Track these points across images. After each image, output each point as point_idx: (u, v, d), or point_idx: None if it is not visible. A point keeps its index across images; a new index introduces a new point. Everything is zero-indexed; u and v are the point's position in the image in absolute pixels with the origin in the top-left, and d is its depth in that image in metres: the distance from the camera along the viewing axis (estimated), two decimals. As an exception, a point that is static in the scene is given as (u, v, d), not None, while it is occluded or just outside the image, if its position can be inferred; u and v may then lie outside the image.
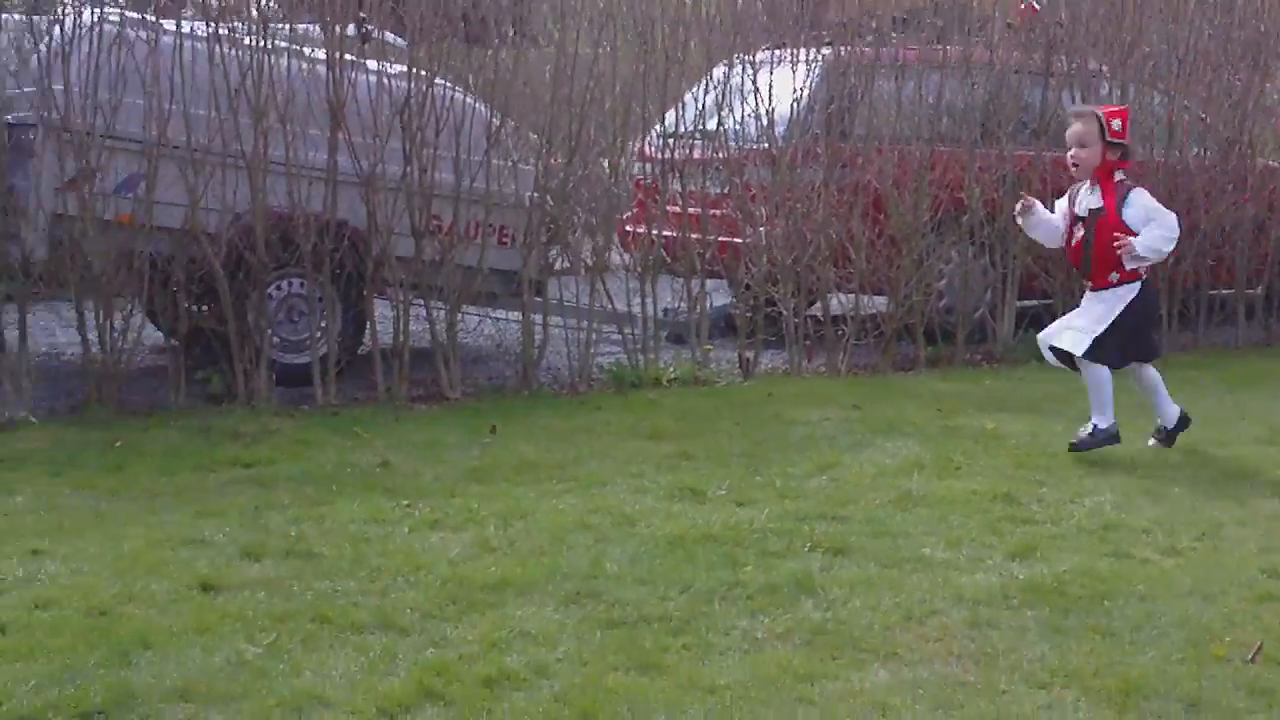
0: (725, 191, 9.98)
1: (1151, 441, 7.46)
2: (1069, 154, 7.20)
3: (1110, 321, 7.15)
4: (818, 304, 10.12)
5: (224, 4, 8.69)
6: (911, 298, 10.04)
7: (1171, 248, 7.31)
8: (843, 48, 10.23)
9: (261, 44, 8.43)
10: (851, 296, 10.08)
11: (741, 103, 9.85)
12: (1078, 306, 7.48)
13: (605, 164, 9.69)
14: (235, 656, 4.50)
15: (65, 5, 8.30)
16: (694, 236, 9.76)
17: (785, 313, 9.71)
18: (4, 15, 8.41)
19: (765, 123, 9.87)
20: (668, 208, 9.79)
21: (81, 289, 8.20)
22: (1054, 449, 7.29)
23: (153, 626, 4.73)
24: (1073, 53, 10.86)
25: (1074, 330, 7.24)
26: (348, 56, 8.72)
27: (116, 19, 8.25)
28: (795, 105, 9.89)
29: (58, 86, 8.05)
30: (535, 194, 9.22)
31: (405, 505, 6.15)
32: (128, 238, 8.24)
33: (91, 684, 4.27)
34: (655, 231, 9.65)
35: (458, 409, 8.39)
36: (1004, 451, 7.29)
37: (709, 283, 10.10)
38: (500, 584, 5.14)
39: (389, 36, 9.62)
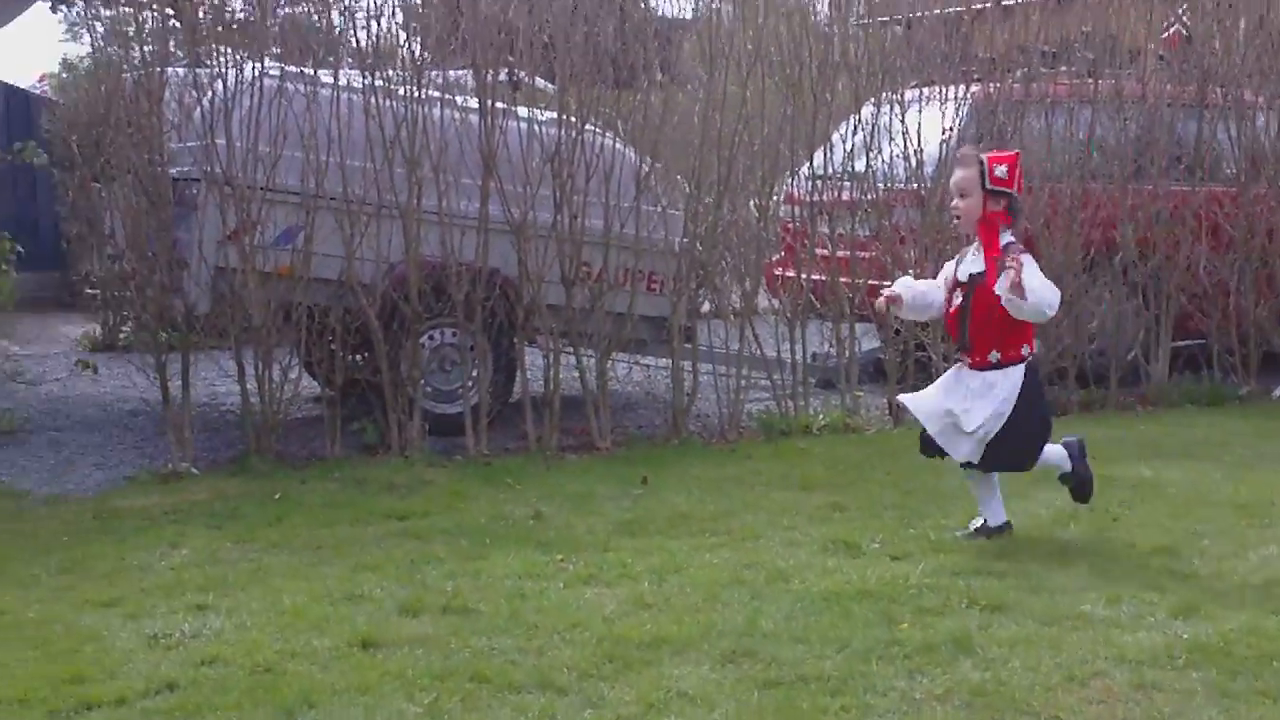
0: (874, 234, 9.92)
1: (963, 532, 6.53)
2: (950, 204, 6.58)
3: (1004, 423, 6.23)
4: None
5: (379, 54, 8.83)
6: (1063, 340, 9.89)
7: (1043, 318, 6.32)
8: (991, 84, 10.13)
9: (415, 94, 8.55)
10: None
11: (889, 143, 9.81)
12: (957, 377, 6.42)
13: (753, 207, 9.69)
14: (396, 716, 4.55)
15: (227, 60, 8.51)
16: (843, 280, 9.72)
17: (935, 357, 9.63)
18: (169, 70, 8.62)
19: (914, 163, 9.81)
20: (816, 250, 9.76)
21: (242, 340, 8.38)
22: (1215, 498, 7.14)
23: (316, 684, 4.79)
24: (1228, 84, 10.66)
25: (962, 435, 6.27)
26: (499, 104, 8.81)
27: (277, 73, 8.42)
28: (944, 144, 9.81)
29: (220, 141, 8.24)
30: (684, 239, 9.24)
31: (559, 559, 6.19)
32: (286, 289, 8.41)
33: (258, 744, 4.35)
34: (803, 275, 9.61)
35: (608, 458, 8.42)
36: (1162, 501, 7.16)
37: (857, 327, 10.04)
38: (656, 642, 5.14)
39: (539, 82, 9.73)
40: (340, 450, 8.41)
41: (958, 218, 6.40)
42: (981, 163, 6.23)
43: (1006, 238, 6.24)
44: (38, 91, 18.25)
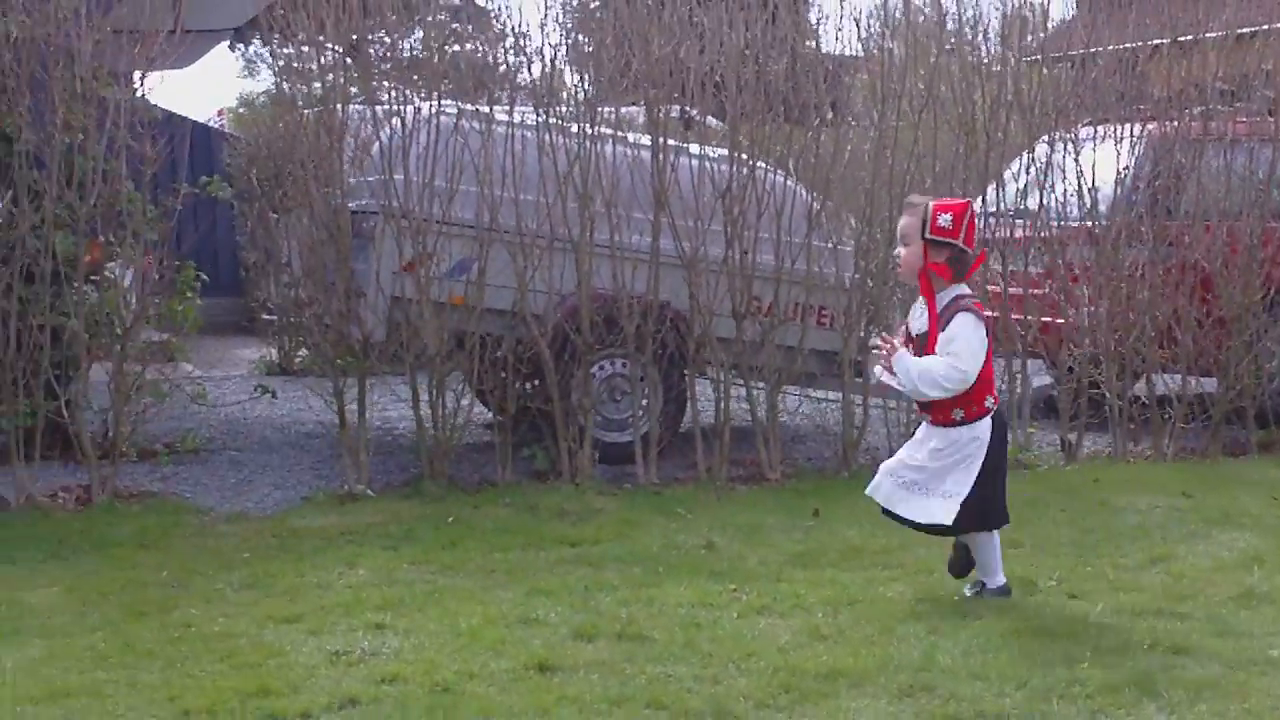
0: (1046, 271, 9.82)
1: (967, 590, 6.14)
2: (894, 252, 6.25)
3: (974, 480, 5.83)
4: (1140, 383, 9.85)
5: (552, 92, 8.95)
6: (1242, 380, 9.69)
7: (935, 395, 5.81)
8: (1168, 122, 9.99)
9: (588, 130, 8.66)
10: (1177, 377, 9.79)
11: (1063, 180, 9.71)
12: (922, 435, 6.04)
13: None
14: (576, 740, 4.59)
15: (404, 97, 8.69)
16: (1015, 317, 9.62)
17: (1109, 395, 9.48)
18: (350, 107, 8.83)
19: (1088, 201, 9.69)
20: (988, 288, 9.68)
21: (416, 367, 8.53)
22: (1405, 544, 6.94)
23: (494, 706, 4.85)
24: None
25: (930, 496, 5.88)
26: (670, 141, 8.89)
27: (453, 110, 8.58)
28: (1119, 183, 9.68)
29: (398, 176, 8.41)
30: (855, 275, 9.24)
31: (732, 589, 6.20)
32: (460, 319, 8.55)
33: (440, 762, 4.41)
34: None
35: (778, 490, 8.42)
36: (1351, 544, 6.98)
37: (1029, 363, 9.92)
38: (832, 674, 5.12)
39: (710, 120, 9.80)
40: (511, 476, 8.51)
41: (899, 268, 6.10)
42: (925, 211, 5.85)
43: (956, 290, 5.86)
44: (217, 126, 18.78)
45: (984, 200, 9.71)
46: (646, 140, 8.91)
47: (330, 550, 6.98)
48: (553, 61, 8.98)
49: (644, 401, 8.99)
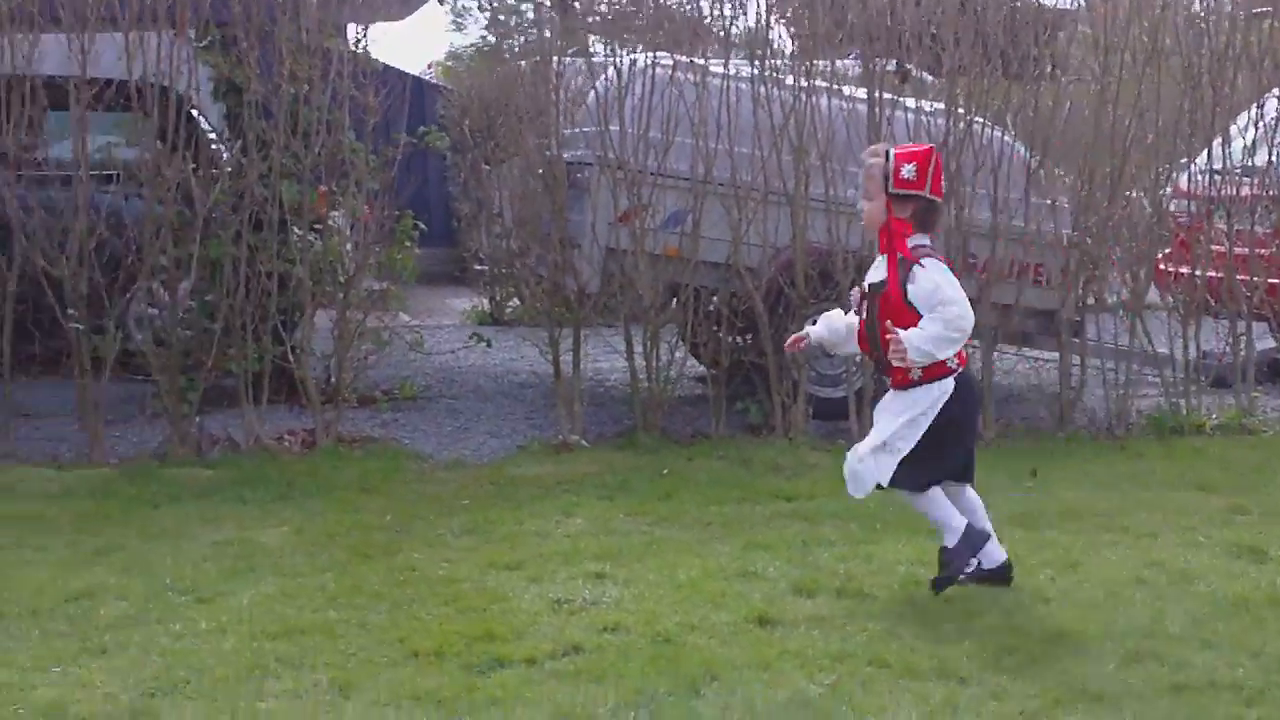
0: (1274, 230, 9.52)
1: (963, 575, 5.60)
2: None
3: (920, 435, 5.42)
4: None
5: (768, 45, 8.92)
6: None
7: (952, 350, 5.38)
8: None
9: (803, 83, 8.61)
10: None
11: (1294, 138, 9.41)
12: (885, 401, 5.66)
13: (1145, 202, 9.42)
14: (799, 695, 4.59)
15: (619, 50, 8.73)
16: (1240, 278, 9.36)
17: (1337, 360, 9.21)
18: (566, 60, 8.90)
19: (1321, 159, 9.38)
20: (1212, 246, 9.42)
21: (630, 319, 8.58)
22: None
23: (716, 658, 4.88)
24: None
25: (877, 452, 5.48)
26: (886, 95, 8.80)
27: (669, 63, 8.60)
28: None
29: (613, 127, 8.45)
30: (1073, 232, 9.06)
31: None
32: (674, 271, 8.58)
33: (664, 711, 4.45)
34: (1198, 271, 9.29)
35: (993, 450, 8.30)
36: None
37: (1254, 326, 9.65)
38: (1057, 637, 5.07)
39: (925, 75, 9.67)
40: (724, 430, 8.53)
41: (864, 222, 5.62)
42: (887, 161, 5.38)
43: (913, 241, 5.37)
44: (428, 79, 19.05)
45: (1209, 155, 9.43)
46: (862, 94, 8.83)
47: (547, 499, 7.09)
48: (766, 13, 8.95)
49: (857, 357, 8.94)
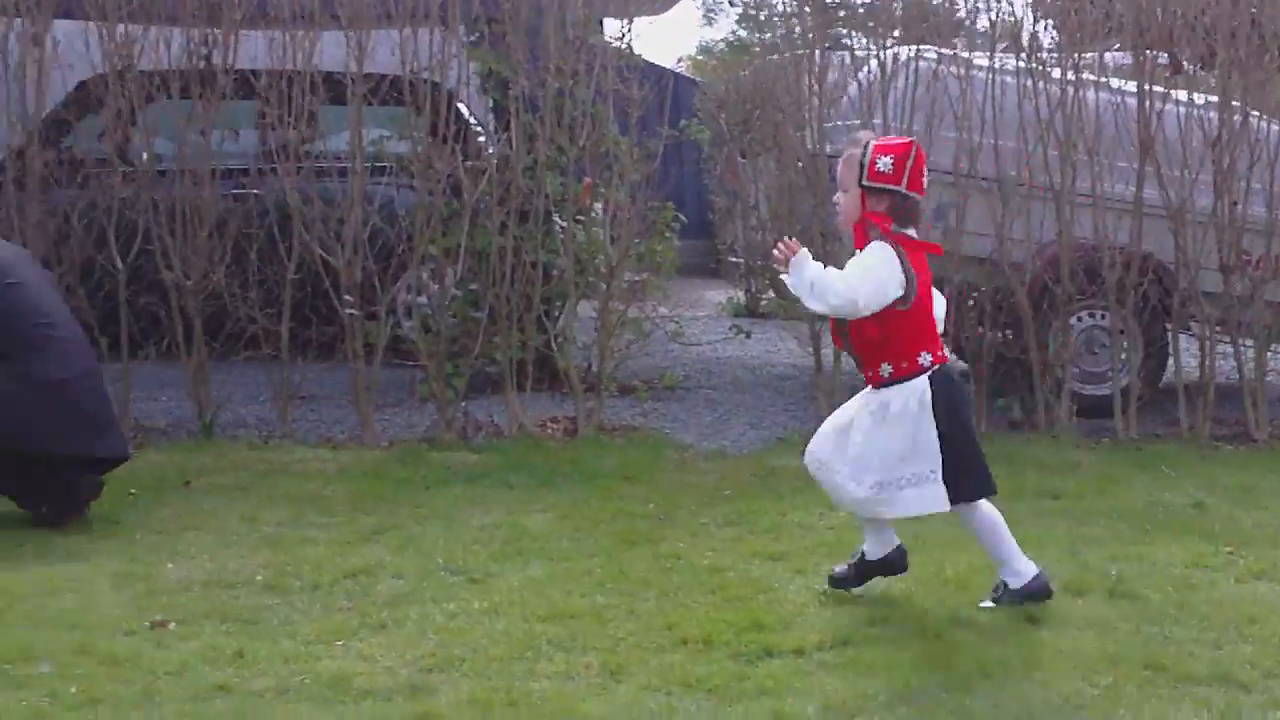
0: None
1: (987, 602, 5.36)
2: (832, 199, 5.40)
3: (932, 447, 5.14)
4: None
5: (1033, 38, 8.81)
6: None
7: (817, 304, 5.11)
8: None
9: (1071, 77, 8.47)
10: None
11: None
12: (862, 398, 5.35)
13: None
14: (1074, 696, 4.53)
15: (882, 43, 8.69)
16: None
17: None
18: (829, 53, 8.89)
19: None
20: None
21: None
22: None
23: (987, 656, 4.83)
24: None
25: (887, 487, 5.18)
26: (1157, 88, 8.61)
27: (933, 56, 8.53)
28: None
29: (876, 121, 8.42)
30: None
31: (1228, 551, 6.00)
32: (937, 266, 8.49)
33: (937, 707, 4.43)
34: None
35: (1267, 451, 8.09)
36: None
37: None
38: (1345, 647, 4.92)
39: (1197, 68, 9.42)
40: (986, 425, 8.43)
41: (839, 216, 5.31)
42: (864, 151, 5.12)
43: (897, 229, 5.11)
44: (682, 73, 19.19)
45: None
46: (1131, 86, 8.65)
47: (809, 491, 7.00)
48: (1032, 6, 8.83)
49: (1123, 355, 8.76)
